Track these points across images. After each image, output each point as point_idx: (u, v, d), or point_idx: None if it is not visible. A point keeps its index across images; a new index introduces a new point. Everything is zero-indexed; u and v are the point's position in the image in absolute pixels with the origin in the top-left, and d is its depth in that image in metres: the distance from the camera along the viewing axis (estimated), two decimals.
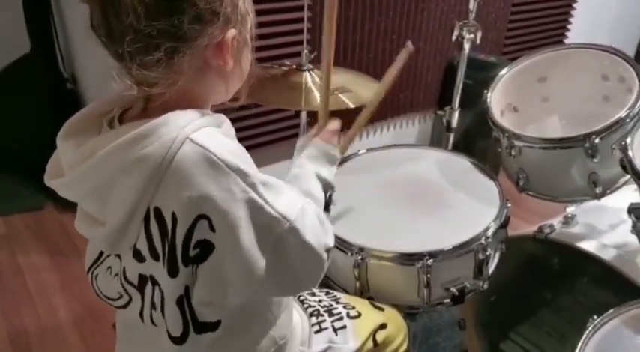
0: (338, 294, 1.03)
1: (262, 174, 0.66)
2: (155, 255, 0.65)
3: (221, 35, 0.63)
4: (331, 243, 0.75)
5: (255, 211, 0.63)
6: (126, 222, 0.63)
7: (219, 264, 0.64)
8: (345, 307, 0.97)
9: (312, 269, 0.73)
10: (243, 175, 0.62)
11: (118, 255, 0.71)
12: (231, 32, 0.64)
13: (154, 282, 0.68)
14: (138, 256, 0.67)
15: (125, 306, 0.74)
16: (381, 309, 1.02)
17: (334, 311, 0.95)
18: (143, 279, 0.69)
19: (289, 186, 0.72)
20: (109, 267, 0.73)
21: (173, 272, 0.64)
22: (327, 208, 0.82)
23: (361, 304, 1.01)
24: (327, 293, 1.02)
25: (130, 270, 0.69)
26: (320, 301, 0.98)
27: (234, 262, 0.64)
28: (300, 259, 0.69)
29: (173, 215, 0.61)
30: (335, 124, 0.97)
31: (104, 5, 0.59)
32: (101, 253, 0.74)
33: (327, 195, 0.83)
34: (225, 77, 0.68)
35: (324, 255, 0.72)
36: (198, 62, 0.64)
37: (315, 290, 1.02)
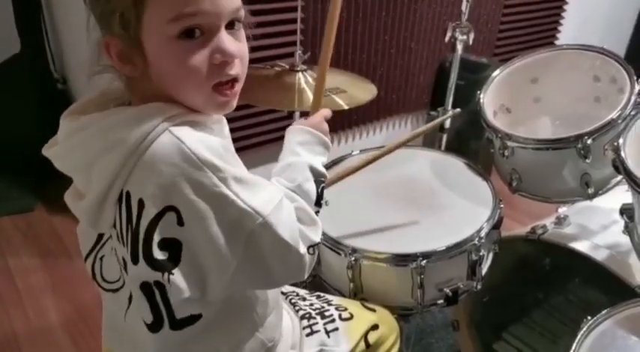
0: (329, 297, 1.02)
1: (239, 170, 0.65)
2: (122, 240, 0.66)
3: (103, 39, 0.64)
4: (316, 238, 0.74)
5: (226, 206, 0.63)
6: (102, 198, 0.64)
7: (194, 258, 0.64)
8: (337, 309, 0.97)
9: (289, 265, 0.71)
10: (214, 170, 0.61)
11: (111, 235, 0.71)
12: (106, 38, 0.64)
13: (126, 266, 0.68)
14: (120, 238, 0.67)
15: (117, 290, 0.73)
16: (373, 310, 1.02)
17: (326, 314, 0.95)
18: (124, 262, 0.68)
19: (269, 182, 0.72)
20: (113, 248, 0.72)
21: (134, 259, 0.64)
22: (318, 202, 0.80)
23: (353, 305, 1.00)
24: (319, 297, 1.02)
25: (118, 251, 0.69)
26: (311, 305, 0.97)
27: (208, 254, 0.64)
28: (275, 254, 0.68)
29: (140, 201, 0.62)
30: (326, 111, 0.94)
31: None
32: (99, 237, 0.73)
33: (320, 188, 0.81)
34: (133, 80, 0.67)
35: (302, 250, 0.70)
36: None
37: (306, 295, 1.01)
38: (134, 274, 0.65)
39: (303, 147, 0.84)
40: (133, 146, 0.61)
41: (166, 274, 0.63)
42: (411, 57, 2.41)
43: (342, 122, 2.33)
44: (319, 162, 0.83)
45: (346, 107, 1.24)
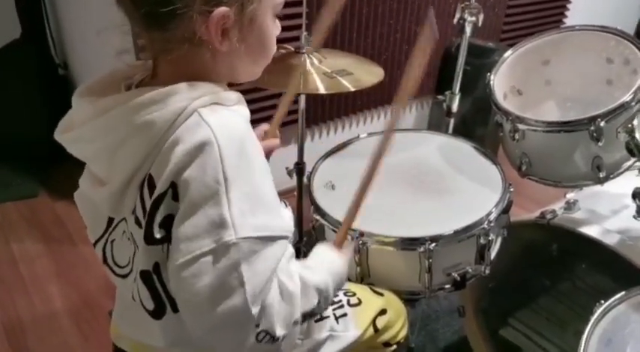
0: None
1: (256, 182, 0.62)
2: (140, 222, 0.65)
3: (207, 11, 0.60)
4: (278, 331, 0.63)
5: (213, 205, 0.59)
6: (125, 184, 0.63)
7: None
8: (345, 294, 0.96)
9: (221, 311, 0.59)
10: (227, 166, 0.59)
11: (125, 219, 0.70)
12: (221, 10, 0.60)
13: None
14: (138, 223, 0.66)
15: (126, 276, 0.72)
16: (381, 294, 1.01)
17: (335, 299, 0.93)
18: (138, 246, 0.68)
19: (288, 221, 0.68)
20: (124, 231, 0.72)
21: (146, 240, 0.63)
22: (303, 317, 0.70)
23: (361, 290, 0.99)
24: None
25: (136, 237, 0.68)
26: None
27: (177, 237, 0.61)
28: (220, 289, 0.59)
29: (151, 180, 0.62)
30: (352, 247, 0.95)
31: None
32: (110, 221, 0.72)
33: (314, 312, 0.72)
34: (221, 56, 0.65)
35: (253, 310, 0.60)
36: (190, 34, 0.61)
37: None
38: (141, 259, 0.65)
39: (333, 279, 0.76)
40: (161, 130, 0.59)
41: (165, 245, 0.63)
42: (416, 41, 2.37)
43: (346, 107, 2.31)
44: (333, 292, 0.76)
45: (352, 89, 1.22)
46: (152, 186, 0.62)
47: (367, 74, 1.29)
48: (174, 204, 0.61)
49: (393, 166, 1.24)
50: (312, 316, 0.73)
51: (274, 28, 0.69)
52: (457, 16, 1.40)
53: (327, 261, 0.78)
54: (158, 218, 0.61)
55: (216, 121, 0.60)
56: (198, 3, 0.59)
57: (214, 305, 0.60)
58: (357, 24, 2.13)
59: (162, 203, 0.61)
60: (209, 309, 0.60)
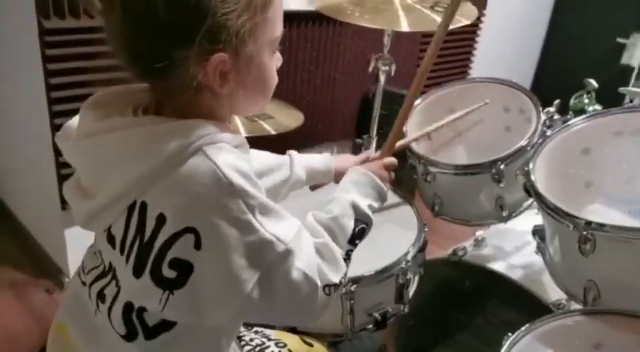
0: (267, 331, 1.00)
1: (264, 197, 0.64)
2: (122, 248, 0.64)
3: (204, 59, 0.60)
4: (333, 278, 0.71)
5: (249, 234, 0.61)
6: (111, 202, 0.63)
7: (198, 286, 0.62)
8: (276, 345, 0.95)
9: (300, 299, 0.68)
10: (245, 196, 0.60)
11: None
12: (217, 57, 0.60)
13: (114, 276, 0.67)
14: (111, 241, 0.65)
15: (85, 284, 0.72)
16: (311, 345, 1.01)
17: (266, 351, 0.93)
18: (111, 268, 0.67)
19: (285, 212, 0.70)
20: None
21: (137, 272, 0.62)
22: (352, 241, 0.78)
23: (291, 339, 0.99)
24: (257, 332, 0.99)
25: (105, 254, 0.68)
26: (251, 340, 0.95)
27: (218, 283, 0.62)
28: (289, 286, 0.66)
29: (161, 216, 0.60)
30: (391, 160, 0.95)
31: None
32: None
33: (358, 228, 0.78)
34: (222, 98, 0.65)
35: (318, 282, 0.68)
36: (189, 81, 0.62)
37: (245, 331, 0.99)
38: (129, 290, 0.64)
39: (354, 186, 0.84)
40: (164, 161, 0.59)
41: (167, 293, 0.62)
42: (335, 87, 2.47)
43: (268, 151, 2.32)
44: (366, 204, 0.81)
45: (274, 132, 1.25)
46: (143, 214, 0.61)
47: (287, 118, 1.33)
48: (195, 252, 0.60)
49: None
50: (364, 232, 0.80)
51: (274, 63, 0.71)
52: (372, 65, 1.48)
53: (348, 181, 0.85)
54: (169, 257, 0.60)
55: (221, 158, 0.61)
56: (193, 54, 0.59)
57: (297, 301, 0.67)
58: (280, 69, 2.19)
59: (174, 244, 0.60)
60: (301, 305, 0.68)
